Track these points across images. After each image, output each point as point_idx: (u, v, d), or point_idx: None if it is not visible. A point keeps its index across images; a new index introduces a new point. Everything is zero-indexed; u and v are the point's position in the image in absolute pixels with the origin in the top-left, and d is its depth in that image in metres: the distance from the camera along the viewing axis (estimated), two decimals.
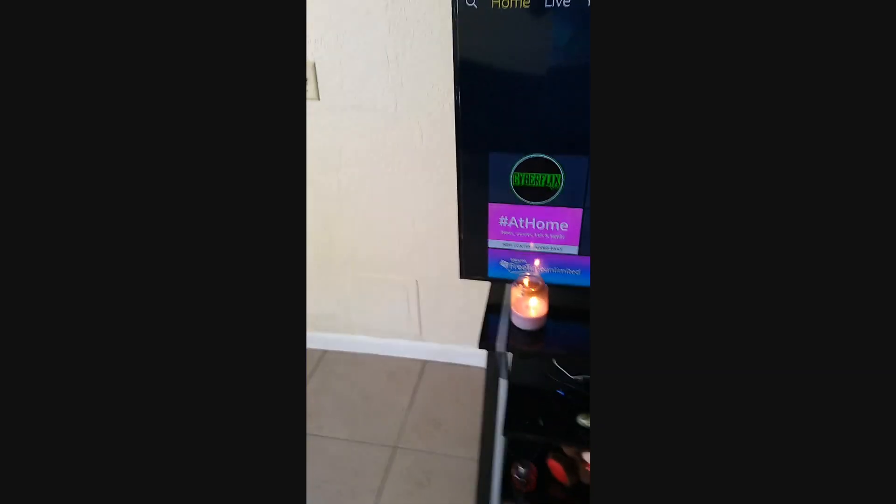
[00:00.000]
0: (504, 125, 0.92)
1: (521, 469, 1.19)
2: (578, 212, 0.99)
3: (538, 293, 1.03)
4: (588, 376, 1.18)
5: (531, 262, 1.07)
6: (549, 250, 1.05)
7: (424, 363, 1.67)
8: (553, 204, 0.99)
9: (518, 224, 1.03)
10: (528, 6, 0.80)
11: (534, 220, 1.02)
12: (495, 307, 1.12)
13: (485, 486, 1.21)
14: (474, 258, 1.10)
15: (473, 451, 1.26)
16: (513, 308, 1.06)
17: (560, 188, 0.96)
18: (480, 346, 1.04)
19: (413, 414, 1.49)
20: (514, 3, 0.80)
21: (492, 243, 1.07)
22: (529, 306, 1.03)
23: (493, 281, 1.13)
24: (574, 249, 1.04)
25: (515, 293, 1.05)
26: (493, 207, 1.02)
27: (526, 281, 1.03)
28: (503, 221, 1.03)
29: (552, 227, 1.02)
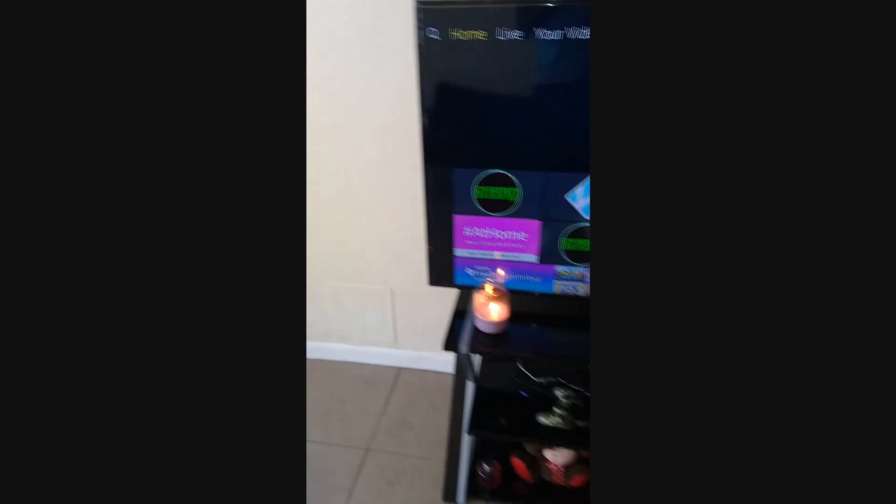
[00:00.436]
0: (466, 143, 1.01)
1: (486, 467, 1.25)
2: (536, 223, 1.07)
3: (499, 299, 1.10)
4: (551, 378, 1.25)
5: (494, 269, 1.15)
6: (511, 259, 1.13)
7: (399, 370, 1.73)
8: (513, 215, 1.07)
9: (481, 234, 1.11)
10: (484, 38, 0.89)
11: (495, 230, 1.10)
12: (461, 313, 1.20)
13: (451, 484, 1.27)
14: (442, 266, 1.17)
15: (443, 452, 1.32)
16: (476, 313, 1.13)
17: (518, 201, 1.05)
18: (445, 348, 1.11)
19: (386, 418, 1.55)
20: (471, 35, 0.89)
21: (458, 252, 1.15)
22: (491, 311, 1.11)
23: (461, 288, 1.21)
24: (534, 258, 1.12)
25: (478, 299, 1.12)
26: (457, 219, 1.11)
27: (488, 287, 1.11)
28: (468, 231, 1.11)
29: (512, 237, 1.10)
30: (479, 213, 1.08)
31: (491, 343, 1.11)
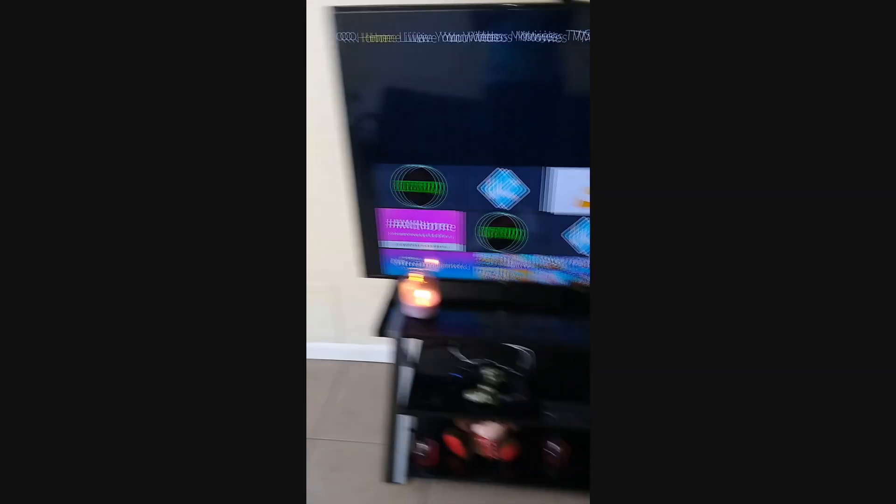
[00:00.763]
0: (386, 140, 1.08)
1: (422, 446, 1.32)
2: (459, 214, 1.15)
3: (425, 285, 1.18)
4: (483, 360, 1.34)
5: (422, 258, 1.22)
6: (438, 249, 1.21)
7: (346, 363, 1.78)
8: (437, 207, 1.15)
9: (407, 226, 1.19)
10: (395, 41, 0.97)
11: (420, 221, 1.17)
12: (394, 302, 1.27)
13: (390, 464, 1.33)
14: (372, 259, 1.24)
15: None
16: (404, 300, 1.20)
17: (441, 194, 1.13)
18: (378, 334, 1.18)
19: (331, 408, 1.60)
20: (384, 39, 0.97)
21: (385, 244, 1.22)
22: (418, 297, 1.18)
23: (395, 278, 1.28)
24: (458, 247, 1.20)
25: (405, 287, 1.20)
26: (382, 212, 1.18)
27: (413, 276, 1.19)
28: (393, 224, 1.19)
29: (438, 228, 1.18)
30: (403, 206, 1.15)
31: (421, 327, 1.19)
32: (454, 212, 1.15)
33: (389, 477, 1.34)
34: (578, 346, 1.13)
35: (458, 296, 1.27)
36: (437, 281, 1.21)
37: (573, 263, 1.17)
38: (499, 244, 1.17)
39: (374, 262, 1.24)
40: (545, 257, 1.17)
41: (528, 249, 1.16)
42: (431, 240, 1.19)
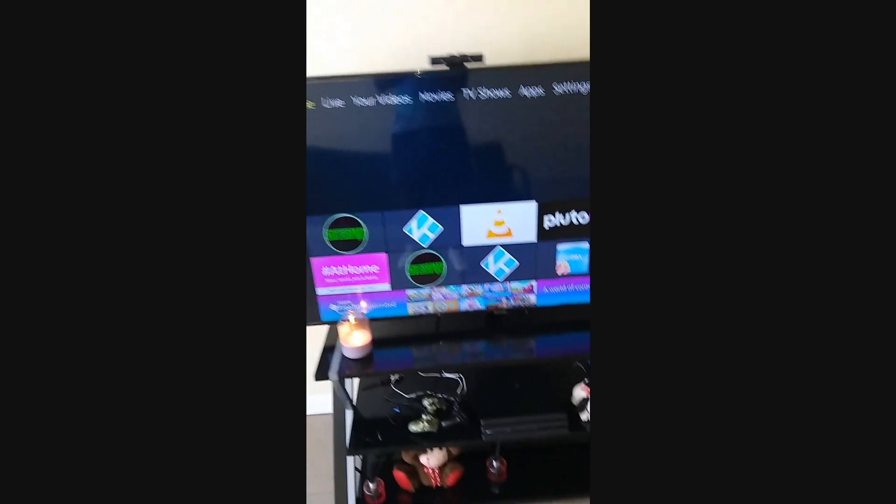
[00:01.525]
0: (314, 193, 1.17)
1: (371, 485, 1.35)
2: (383, 256, 1.26)
3: (359, 327, 1.26)
4: (420, 392, 1.41)
5: (356, 302, 1.30)
6: (368, 290, 1.30)
7: None
8: (363, 251, 1.24)
9: (338, 272, 1.27)
10: (312, 108, 1.08)
11: (349, 266, 1.26)
12: (330, 347, 1.32)
13: None
14: (310, 308, 1.30)
15: (332, 487, 1.40)
16: (342, 342, 1.27)
17: (365, 239, 1.23)
18: (316, 378, 1.23)
19: None
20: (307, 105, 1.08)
21: (319, 291, 1.29)
22: (354, 338, 1.25)
23: (329, 324, 1.34)
24: (387, 286, 1.30)
25: (342, 330, 1.26)
26: (315, 262, 1.25)
27: (350, 317, 1.26)
28: (326, 271, 1.26)
29: (366, 271, 1.27)
30: (332, 253, 1.24)
31: (358, 367, 1.25)
32: (378, 254, 1.25)
33: None
34: (506, 362, 1.26)
35: (390, 334, 1.36)
36: (368, 322, 1.29)
37: (490, 289, 1.30)
38: (423, 280, 1.28)
39: (312, 312, 1.30)
40: (467, 286, 1.29)
41: (450, 281, 1.28)
42: (361, 282, 1.28)
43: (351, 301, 1.30)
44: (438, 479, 1.39)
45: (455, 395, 1.39)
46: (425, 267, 1.26)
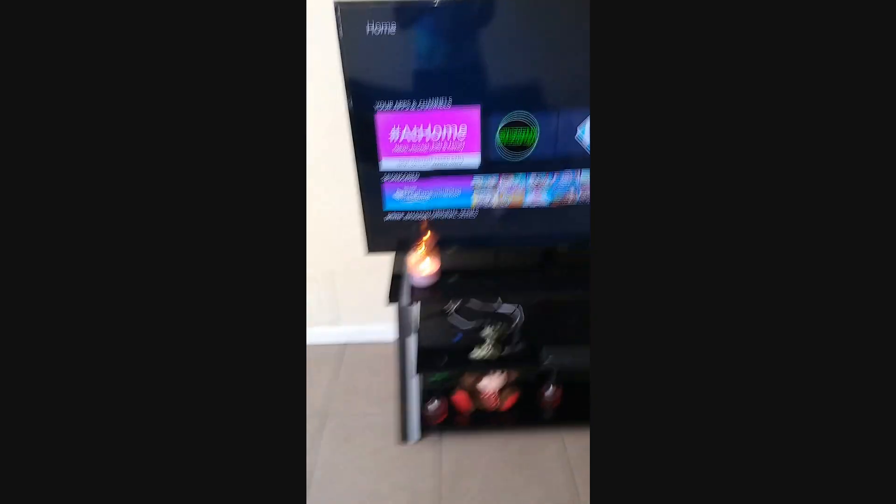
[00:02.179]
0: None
1: (432, 404, 1.45)
2: (475, 111, 1.13)
3: (428, 255, 1.31)
4: (480, 321, 1.48)
5: (423, 189, 1.26)
6: (449, 167, 1.20)
7: (345, 346, 1.87)
8: (448, 105, 1.12)
9: (411, 135, 1.14)
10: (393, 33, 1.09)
11: (428, 127, 1.13)
12: (398, 275, 1.38)
13: (404, 425, 1.45)
14: (375, 228, 1.31)
15: (389, 408, 1.50)
16: (410, 271, 1.32)
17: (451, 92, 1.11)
18: (389, 302, 1.29)
19: (335, 388, 1.69)
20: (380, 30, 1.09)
21: (385, 164, 1.18)
22: (423, 268, 1.31)
23: (396, 253, 1.39)
24: (475, 161, 1.19)
25: (412, 259, 1.32)
26: (381, 118, 1.11)
27: (417, 248, 1.31)
28: (394, 134, 1.14)
29: (449, 135, 1.16)
30: (405, 107, 1.12)
31: (427, 294, 1.31)
32: (468, 108, 1.11)
33: (405, 437, 1.46)
34: (561, 296, 1.30)
35: (451, 265, 1.41)
36: (437, 249, 1.33)
37: (560, 180, 1.26)
38: (515, 150, 1.20)
39: (377, 238, 1.35)
40: (537, 176, 1.25)
41: (540, 152, 1.21)
42: (438, 152, 1.16)
43: (419, 188, 1.22)
44: (496, 402, 1.48)
45: (514, 325, 1.46)
46: (517, 133, 1.18)
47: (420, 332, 1.50)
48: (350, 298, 1.83)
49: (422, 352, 1.42)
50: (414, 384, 1.44)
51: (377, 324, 1.86)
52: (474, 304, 1.55)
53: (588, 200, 1.30)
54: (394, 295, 1.30)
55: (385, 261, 1.47)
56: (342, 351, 1.86)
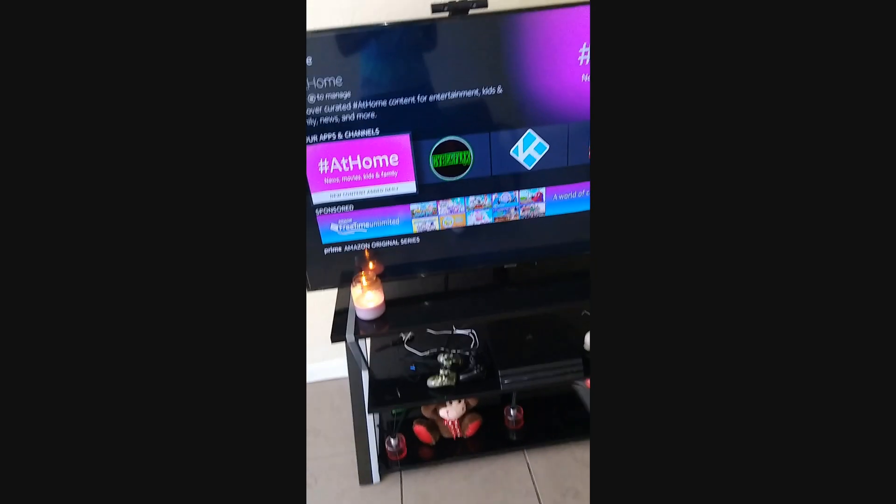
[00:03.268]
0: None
1: (392, 441, 1.39)
2: (404, 138, 1.11)
3: (372, 286, 1.26)
4: (434, 349, 1.43)
5: (359, 220, 1.22)
6: (385, 195, 1.18)
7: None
8: (376, 134, 1.10)
9: (341, 166, 1.11)
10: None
11: (357, 157, 1.10)
12: (343, 310, 1.33)
13: (365, 466, 1.39)
14: (316, 265, 1.26)
15: (352, 447, 1.43)
16: (355, 304, 1.27)
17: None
18: (332, 341, 1.24)
19: None
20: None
21: (317, 198, 1.13)
22: (366, 299, 1.26)
23: (340, 287, 1.34)
24: (411, 187, 1.16)
25: (355, 292, 1.27)
26: (311, 150, 1.08)
27: (362, 279, 1.26)
28: (323, 167, 1.10)
29: (381, 163, 1.13)
30: (335, 137, 1.09)
31: (374, 327, 1.26)
32: (396, 136, 1.10)
33: (367, 478, 1.39)
34: (517, 313, 1.28)
35: (400, 294, 1.36)
36: (380, 282, 1.29)
37: (499, 199, 1.24)
38: (450, 172, 1.19)
39: (318, 273, 1.29)
40: (475, 198, 1.23)
41: (477, 173, 1.20)
42: (372, 181, 1.15)
43: (354, 219, 1.19)
44: (458, 431, 1.43)
45: (469, 349, 1.42)
46: (450, 157, 1.16)
47: (373, 366, 1.44)
48: (312, 332, 1.75)
49: (376, 386, 1.37)
50: (371, 421, 1.38)
51: (335, 359, 1.79)
52: (432, 328, 1.51)
53: (531, 216, 1.28)
54: (337, 333, 1.24)
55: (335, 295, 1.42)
56: (310, 389, 1.78)
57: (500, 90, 1.14)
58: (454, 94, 1.13)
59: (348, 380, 1.34)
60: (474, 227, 1.27)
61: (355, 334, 1.24)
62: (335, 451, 1.51)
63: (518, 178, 1.24)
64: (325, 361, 1.80)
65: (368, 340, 1.51)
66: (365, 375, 1.37)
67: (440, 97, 1.13)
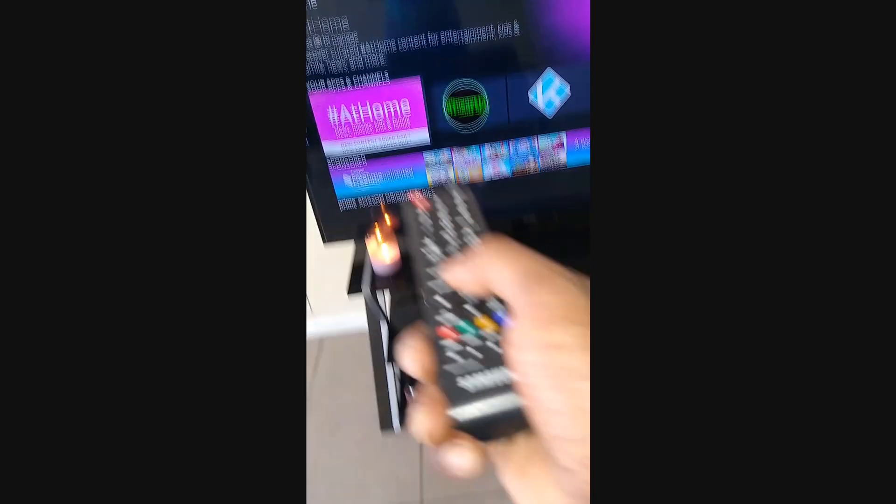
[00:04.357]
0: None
1: (412, 390, 1.42)
2: (415, 83, 1.07)
3: (387, 240, 1.25)
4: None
5: (372, 172, 1.18)
6: (398, 146, 1.14)
7: (322, 339, 1.84)
8: (385, 79, 1.06)
9: (351, 116, 1.10)
10: None
11: (367, 105, 1.08)
12: (360, 264, 1.32)
13: (385, 413, 1.42)
14: (328, 213, 1.23)
15: (373, 396, 1.47)
16: (371, 259, 1.27)
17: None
18: (349, 293, 1.24)
19: (317, 379, 1.66)
20: None
21: (328, 148, 1.12)
22: (382, 253, 1.25)
23: (356, 241, 1.33)
24: (424, 136, 1.13)
25: (370, 245, 1.26)
26: (315, 99, 1.04)
27: (377, 233, 1.25)
28: (333, 116, 1.09)
29: (392, 111, 1.10)
30: (342, 84, 1.06)
31: (390, 281, 1.26)
32: (407, 80, 1.06)
33: (387, 424, 1.43)
34: None
35: None
36: (395, 236, 1.27)
37: (517, 149, 1.18)
38: (464, 119, 1.13)
39: (333, 227, 1.28)
40: (491, 147, 1.17)
41: (494, 120, 1.14)
42: (385, 129, 1.11)
43: (367, 170, 1.16)
44: None
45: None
46: (464, 102, 1.10)
47: (392, 318, 1.45)
48: (321, 289, 1.78)
49: (393, 340, 1.38)
50: (390, 371, 1.40)
51: (355, 311, 1.81)
52: None
53: (551, 166, 1.22)
54: (354, 286, 1.24)
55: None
56: (320, 343, 1.82)
57: (516, 25, 1.05)
58: (467, 33, 1.06)
59: (368, 326, 1.35)
60: (491, 179, 1.22)
61: (372, 287, 1.24)
62: (358, 399, 1.56)
63: (537, 125, 1.17)
64: (349, 313, 1.82)
65: (387, 293, 1.52)
66: (384, 327, 1.38)
67: (452, 36, 1.06)
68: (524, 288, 0.23)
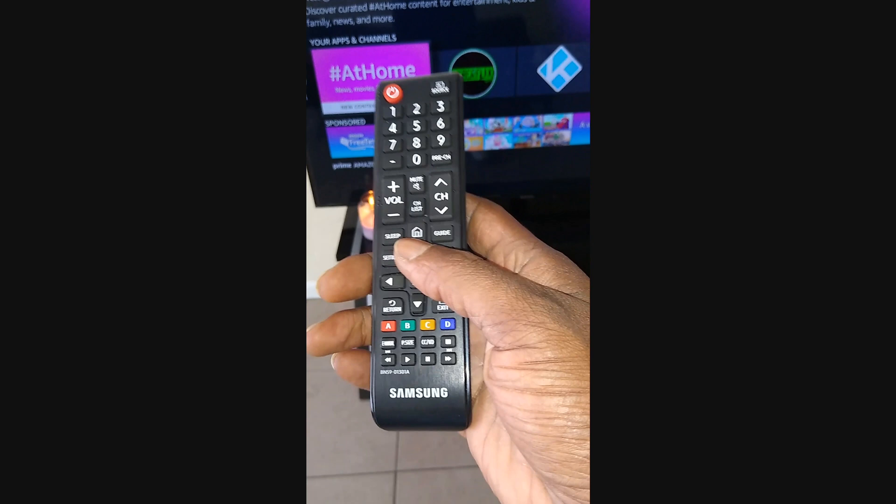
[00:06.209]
0: None
1: None
2: (423, 47, 1.03)
3: None
4: None
5: (370, 135, 1.13)
6: None
7: (313, 301, 1.82)
8: (392, 41, 1.01)
9: (353, 74, 1.07)
10: None
11: (371, 66, 1.04)
12: (349, 231, 1.30)
13: None
14: (322, 179, 1.20)
15: None
16: (363, 224, 1.24)
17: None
18: (338, 259, 1.22)
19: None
20: None
21: (327, 108, 1.08)
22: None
23: (349, 206, 1.30)
24: None
25: (363, 211, 1.23)
26: (318, 56, 0.98)
27: (370, 199, 1.22)
28: (334, 74, 1.05)
29: (396, 74, 1.05)
30: (346, 43, 1.01)
31: None
32: (415, 44, 1.01)
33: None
34: None
35: None
36: None
37: (520, 123, 1.16)
38: (470, 89, 1.10)
39: (326, 190, 1.25)
40: (495, 120, 1.15)
41: (500, 92, 1.10)
42: None
43: (366, 134, 1.12)
44: None
45: None
46: (471, 71, 1.06)
47: None
48: (310, 255, 1.75)
49: None
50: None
51: None
52: None
53: (554, 143, 1.19)
54: (343, 251, 1.22)
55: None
56: (311, 306, 1.81)
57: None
58: (476, 2, 1.01)
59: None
60: (491, 151, 1.19)
61: (361, 252, 1.22)
62: None
63: (544, 101, 1.13)
64: None
65: None
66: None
67: (461, 3, 1.01)
68: (501, 327, 0.22)
